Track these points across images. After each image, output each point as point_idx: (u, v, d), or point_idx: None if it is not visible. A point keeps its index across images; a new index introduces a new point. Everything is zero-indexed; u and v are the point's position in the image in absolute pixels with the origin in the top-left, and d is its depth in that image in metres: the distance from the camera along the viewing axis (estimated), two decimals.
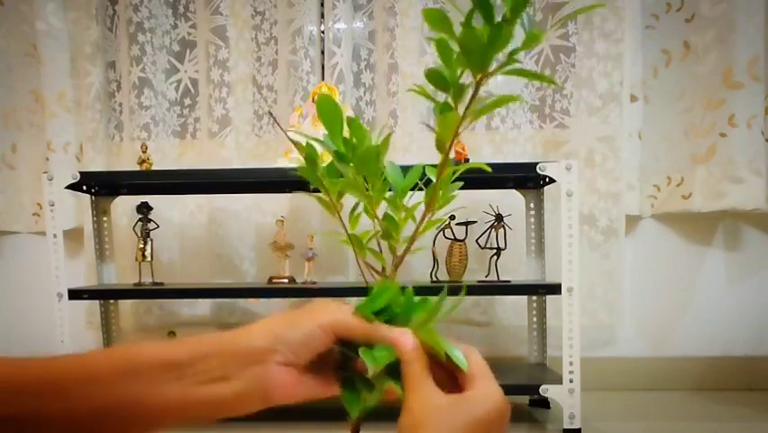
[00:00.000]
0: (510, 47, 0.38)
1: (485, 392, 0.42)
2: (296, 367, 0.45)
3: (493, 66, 0.39)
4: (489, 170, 0.47)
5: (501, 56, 0.39)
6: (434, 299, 0.46)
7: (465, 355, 0.44)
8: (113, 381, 0.42)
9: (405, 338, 0.44)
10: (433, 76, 0.40)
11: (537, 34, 0.36)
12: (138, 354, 0.44)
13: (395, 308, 0.46)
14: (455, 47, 0.39)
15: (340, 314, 0.45)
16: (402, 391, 0.43)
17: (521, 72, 0.40)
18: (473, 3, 0.37)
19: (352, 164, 0.47)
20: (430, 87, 0.42)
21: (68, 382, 0.42)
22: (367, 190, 0.48)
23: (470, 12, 0.37)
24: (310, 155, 0.49)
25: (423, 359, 0.43)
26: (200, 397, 0.43)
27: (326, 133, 0.47)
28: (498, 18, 0.37)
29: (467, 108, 0.41)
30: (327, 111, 0.47)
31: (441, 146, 0.43)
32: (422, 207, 0.48)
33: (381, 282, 0.47)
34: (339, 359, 0.48)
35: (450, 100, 0.41)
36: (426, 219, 0.48)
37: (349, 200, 0.51)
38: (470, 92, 0.41)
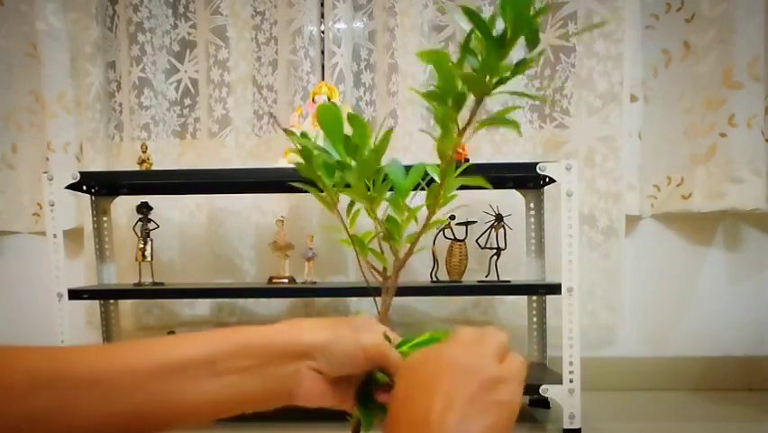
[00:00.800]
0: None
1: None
2: (325, 376, 0.45)
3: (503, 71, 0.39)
4: (489, 186, 0.47)
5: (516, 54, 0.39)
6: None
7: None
8: (150, 378, 0.41)
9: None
10: (433, 97, 0.40)
11: (529, 62, 0.36)
12: (176, 350, 0.43)
13: None
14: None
15: (384, 342, 0.45)
16: None
17: (520, 93, 0.40)
18: (472, 24, 0.36)
19: (353, 170, 0.47)
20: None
21: (104, 376, 0.41)
22: (369, 190, 0.48)
23: (468, 35, 0.37)
24: (306, 150, 0.49)
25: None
26: (232, 393, 0.43)
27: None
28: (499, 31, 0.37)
29: (467, 123, 0.42)
30: (328, 120, 0.46)
31: (442, 155, 0.44)
32: (424, 208, 0.48)
33: (436, 331, 0.47)
34: (364, 379, 0.48)
35: (451, 112, 0.42)
36: (429, 221, 0.48)
37: (346, 197, 0.51)
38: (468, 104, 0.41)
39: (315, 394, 0.45)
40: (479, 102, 0.40)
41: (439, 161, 0.48)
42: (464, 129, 0.42)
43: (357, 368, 0.45)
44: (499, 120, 0.40)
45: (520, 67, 0.37)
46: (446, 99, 0.40)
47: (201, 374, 0.42)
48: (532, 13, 0.35)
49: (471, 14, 0.36)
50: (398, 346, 0.46)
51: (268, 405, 0.45)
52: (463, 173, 0.47)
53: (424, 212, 0.49)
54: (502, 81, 0.39)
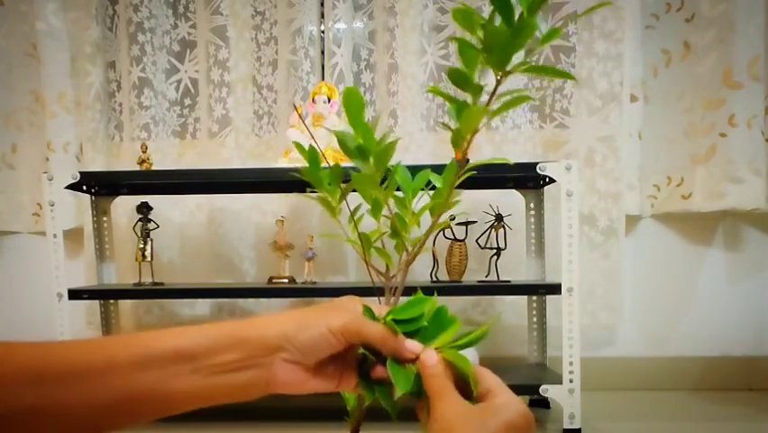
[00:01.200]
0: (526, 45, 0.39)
1: (509, 401, 0.43)
2: (302, 365, 0.45)
3: (513, 64, 0.39)
4: (512, 162, 0.48)
5: (517, 56, 0.40)
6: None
7: (480, 374, 0.45)
8: (130, 371, 0.43)
9: (427, 354, 0.45)
10: (454, 75, 0.41)
11: (556, 30, 0.37)
12: (156, 344, 0.44)
13: (423, 321, 0.47)
14: (475, 44, 0.40)
15: (356, 318, 0.46)
16: (425, 401, 0.44)
17: (541, 69, 0.41)
18: (492, 3, 0.38)
19: (372, 160, 0.47)
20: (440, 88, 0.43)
21: (87, 370, 0.42)
22: (382, 185, 0.48)
23: (492, 12, 0.38)
24: (313, 156, 0.49)
25: (446, 373, 0.44)
26: (212, 387, 0.44)
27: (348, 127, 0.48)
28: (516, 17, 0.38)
29: (488, 102, 0.42)
30: (353, 104, 0.47)
31: (459, 143, 0.44)
32: (437, 208, 0.48)
33: (418, 294, 0.48)
34: (359, 358, 0.48)
35: (469, 99, 0.42)
36: (439, 218, 0.48)
37: (351, 202, 0.51)
38: (484, 89, 0.42)
39: (294, 383, 0.46)
40: (499, 82, 0.41)
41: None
42: (488, 104, 0.42)
43: (332, 350, 0.45)
44: (520, 99, 0.41)
45: (543, 38, 0.38)
46: (467, 79, 0.40)
47: (178, 370, 0.43)
48: None
49: None
50: (387, 314, 0.47)
51: (249, 397, 0.46)
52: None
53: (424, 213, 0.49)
54: (523, 63, 0.40)
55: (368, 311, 0.47)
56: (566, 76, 0.40)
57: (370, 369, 0.47)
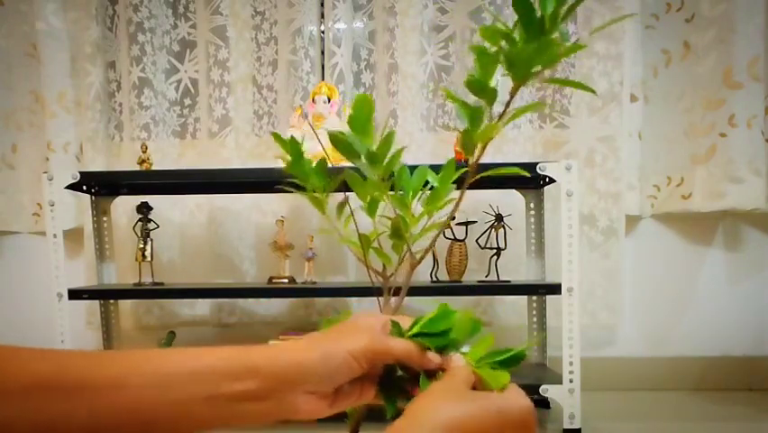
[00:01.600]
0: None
1: (510, 395, 0.43)
2: (322, 393, 0.44)
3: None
4: (527, 174, 0.48)
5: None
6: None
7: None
8: (141, 391, 0.41)
9: (455, 358, 0.46)
10: (472, 84, 0.41)
11: (579, 44, 0.37)
12: (169, 365, 0.42)
13: (452, 334, 0.46)
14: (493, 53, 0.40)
15: (377, 338, 0.44)
16: None
17: (566, 82, 0.41)
18: (518, 16, 0.38)
19: (380, 163, 0.47)
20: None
21: (93, 385, 0.40)
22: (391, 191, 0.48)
23: (514, 24, 0.38)
24: (296, 152, 0.49)
25: (468, 374, 0.44)
26: (227, 413, 0.43)
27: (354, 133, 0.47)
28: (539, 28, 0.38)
29: (502, 113, 0.42)
30: (362, 112, 0.46)
31: (470, 149, 0.44)
32: (433, 207, 0.48)
33: (445, 306, 0.47)
34: (383, 371, 0.47)
35: (483, 105, 0.42)
36: (441, 218, 0.48)
37: (336, 198, 0.51)
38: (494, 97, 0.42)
39: (314, 411, 0.45)
40: (514, 92, 0.41)
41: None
42: (501, 117, 0.42)
43: (353, 375, 0.44)
44: (533, 106, 0.41)
45: (565, 51, 0.38)
46: (484, 87, 0.40)
47: (193, 394, 0.42)
48: (568, 6, 0.37)
49: (521, 2, 0.37)
50: (411, 327, 0.46)
51: (266, 422, 0.44)
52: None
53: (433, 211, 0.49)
54: (539, 73, 0.40)
55: (395, 327, 0.46)
56: (589, 90, 0.40)
57: (395, 381, 0.47)
